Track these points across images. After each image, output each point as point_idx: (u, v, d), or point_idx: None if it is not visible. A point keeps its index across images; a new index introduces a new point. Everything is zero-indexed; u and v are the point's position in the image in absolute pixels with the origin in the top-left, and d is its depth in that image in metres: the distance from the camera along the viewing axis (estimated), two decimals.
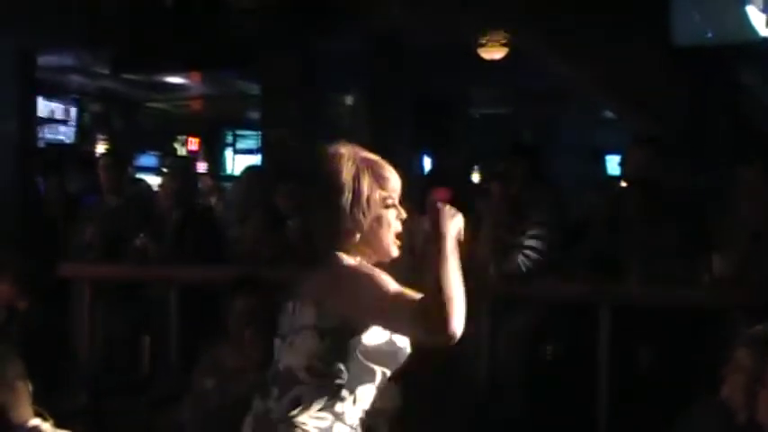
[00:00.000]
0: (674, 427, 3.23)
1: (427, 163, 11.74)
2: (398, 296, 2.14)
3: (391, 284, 2.17)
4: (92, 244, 5.99)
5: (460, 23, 7.73)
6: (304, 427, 2.22)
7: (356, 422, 2.29)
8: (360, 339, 2.22)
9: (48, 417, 2.58)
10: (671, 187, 5.03)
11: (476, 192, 7.20)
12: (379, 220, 2.31)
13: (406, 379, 4.55)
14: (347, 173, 2.29)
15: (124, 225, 5.95)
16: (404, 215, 2.34)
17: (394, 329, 2.21)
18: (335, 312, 2.20)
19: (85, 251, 5.97)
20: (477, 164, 11.03)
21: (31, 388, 2.54)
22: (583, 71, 7.71)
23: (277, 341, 2.33)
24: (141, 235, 5.69)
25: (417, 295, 2.11)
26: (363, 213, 2.29)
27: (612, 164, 11.09)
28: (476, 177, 11.33)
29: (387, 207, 2.32)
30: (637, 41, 6.84)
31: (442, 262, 2.09)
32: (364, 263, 2.31)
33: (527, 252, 4.88)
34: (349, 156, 2.32)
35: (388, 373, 2.30)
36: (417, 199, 5.61)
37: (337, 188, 2.27)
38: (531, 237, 4.90)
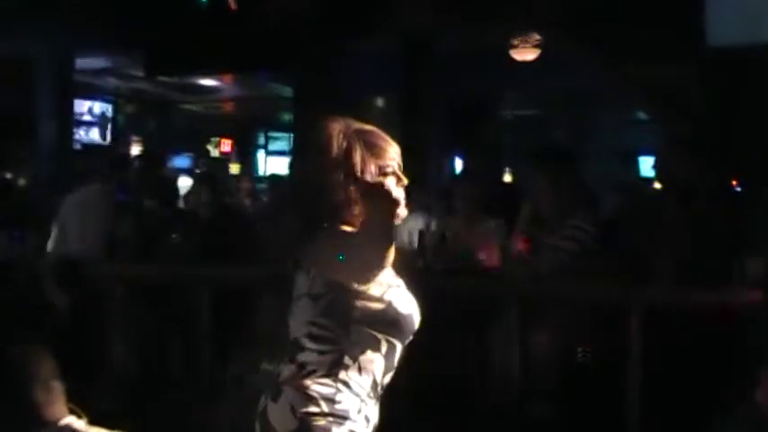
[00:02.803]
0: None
1: (459, 164, 11.74)
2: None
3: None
4: (126, 244, 6.05)
5: (493, 25, 7.72)
6: (308, 391, 2.26)
7: (366, 392, 2.30)
8: (353, 303, 2.26)
9: (82, 414, 2.60)
10: (705, 188, 4.98)
11: (507, 192, 7.20)
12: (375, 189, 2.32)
13: (437, 381, 4.58)
14: (338, 147, 2.31)
15: (157, 225, 6.00)
16: (405, 181, 2.35)
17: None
18: (322, 278, 2.27)
19: (119, 250, 6.02)
20: (509, 165, 11.01)
21: (64, 386, 2.57)
22: (616, 72, 7.66)
23: (289, 315, 2.39)
24: (174, 235, 5.75)
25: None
26: (358, 185, 2.29)
27: (646, 165, 11.03)
28: (507, 178, 11.30)
29: (385, 175, 2.32)
30: (671, 41, 6.79)
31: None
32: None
33: (561, 252, 4.85)
34: (340, 129, 2.34)
35: (397, 343, 2.32)
36: (449, 199, 5.63)
37: (330, 163, 2.30)
38: (566, 237, 4.87)
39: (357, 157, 2.31)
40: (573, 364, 4.58)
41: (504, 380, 4.69)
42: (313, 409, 2.24)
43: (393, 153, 2.37)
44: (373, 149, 2.34)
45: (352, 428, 2.27)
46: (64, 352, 2.65)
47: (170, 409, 4.93)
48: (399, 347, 2.33)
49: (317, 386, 2.26)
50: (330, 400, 2.26)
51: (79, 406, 2.63)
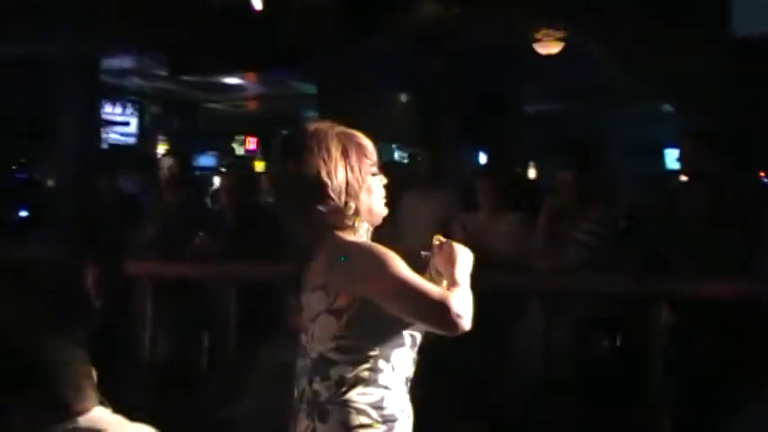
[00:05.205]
0: (731, 421, 3.20)
1: (482, 159, 11.73)
2: (417, 284, 2.19)
3: (404, 269, 2.21)
4: (152, 242, 6.09)
5: (516, 19, 7.71)
6: (355, 405, 2.26)
7: (402, 389, 2.32)
8: (378, 310, 2.23)
9: (108, 405, 2.62)
10: (727, 182, 4.97)
11: (530, 187, 7.19)
12: (368, 189, 2.35)
13: (461, 372, 4.60)
14: (336, 148, 2.32)
15: (184, 223, 6.03)
16: (385, 180, 2.40)
17: (407, 313, 2.23)
18: (345, 292, 2.24)
19: (146, 249, 6.06)
20: (531, 160, 10.98)
21: (95, 376, 2.59)
22: (638, 64, 7.62)
23: (302, 337, 2.37)
24: (200, 233, 5.78)
25: (435, 287, 2.21)
26: (359, 185, 2.32)
27: (671, 158, 10.98)
28: (531, 173, 11.27)
29: (373, 175, 2.37)
30: (694, 33, 6.76)
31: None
32: (367, 241, 2.33)
33: (581, 246, 4.85)
34: (331, 132, 2.35)
35: (418, 335, 2.33)
36: (471, 195, 5.63)
37: (331, 165, 2.30)
38: (587, 232, 4.87)
39: (354, 156, 2.34)
40: (596, 356, 4.58)
41: (527, 371, 4.70)
42: (365, 420, 2.25)
43: (374, 151, 2.40)
44: (360, 148, 2.37)
45: (402, 428, 2.30)
46: (95, 345, 2.68)
47: (196, 403, 4.98)
48: (420, 338, 2.35)
49: (363, 396, 2.26)
50: (378, 407, 2.27)
51: (107, 399, 2.66)
